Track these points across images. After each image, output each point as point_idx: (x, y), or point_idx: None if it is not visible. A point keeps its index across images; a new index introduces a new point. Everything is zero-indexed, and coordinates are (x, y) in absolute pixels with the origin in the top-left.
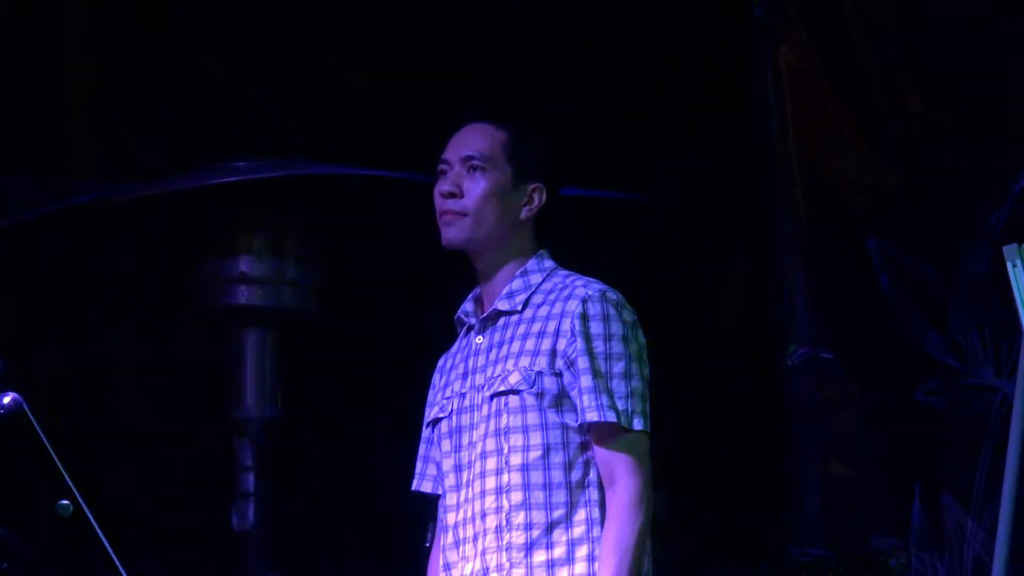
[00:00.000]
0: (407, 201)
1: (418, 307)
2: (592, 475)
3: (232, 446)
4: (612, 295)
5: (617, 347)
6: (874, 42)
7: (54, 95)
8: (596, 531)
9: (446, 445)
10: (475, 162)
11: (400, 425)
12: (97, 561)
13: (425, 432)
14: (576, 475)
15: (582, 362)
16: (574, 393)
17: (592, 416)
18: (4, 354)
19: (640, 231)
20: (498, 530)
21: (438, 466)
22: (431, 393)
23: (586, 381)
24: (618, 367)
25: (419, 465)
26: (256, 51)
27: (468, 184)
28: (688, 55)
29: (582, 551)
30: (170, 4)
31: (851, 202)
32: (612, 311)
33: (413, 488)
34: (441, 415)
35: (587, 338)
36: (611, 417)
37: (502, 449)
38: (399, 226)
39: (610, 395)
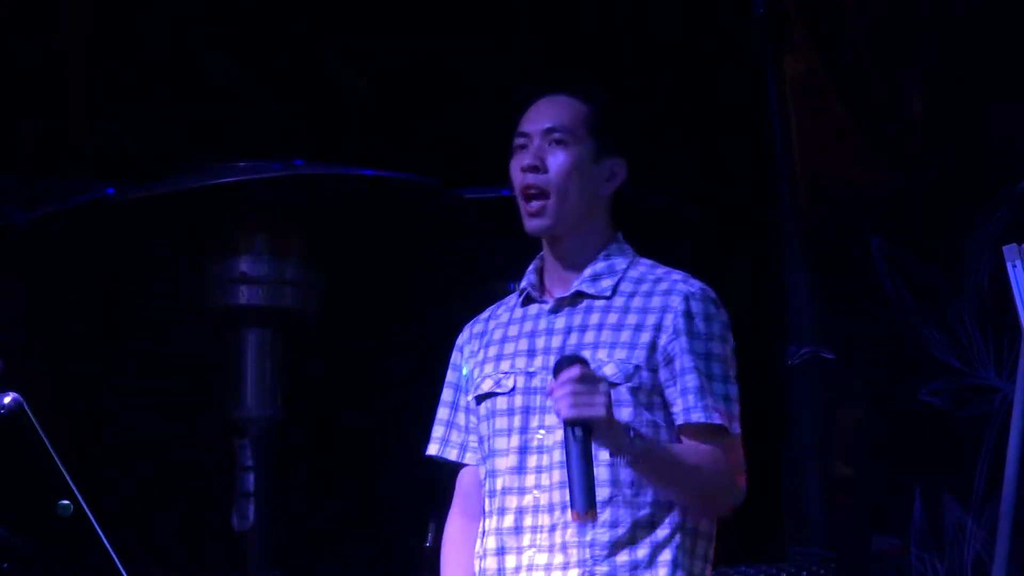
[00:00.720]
0: (407, 201)
1: (418, 307)
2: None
3: (232, 446)
4: (712, 293)
5: (718, 348)
6: (876, 42)
7: (54, 95)
8: (680, 537)
9: (502, 423)
10: (557, 135)
11: (400, 425)
12: (97, 561)
13: (448, 396)
14: None
15: (686, 360)
16: (671, 391)
17: (698, 417)
18: (4, 354)
19: (641, 230)
20: (581, 524)
21: (480, 439)
22: (458, 355)
23: (691, 381)
24: (719, 369)
25: (442, 430)
26: (256, 51)
27: (550, 158)
28: (689, 55)
29: (665, 556)
30: (170, 4)
31: (854, 202)
32: (713, 310)
33: (434, 453)
34: (499, 391)
35: (691, 336)
36: (717, 419)
37: None
38: (399, 226)
39: (715, 397)
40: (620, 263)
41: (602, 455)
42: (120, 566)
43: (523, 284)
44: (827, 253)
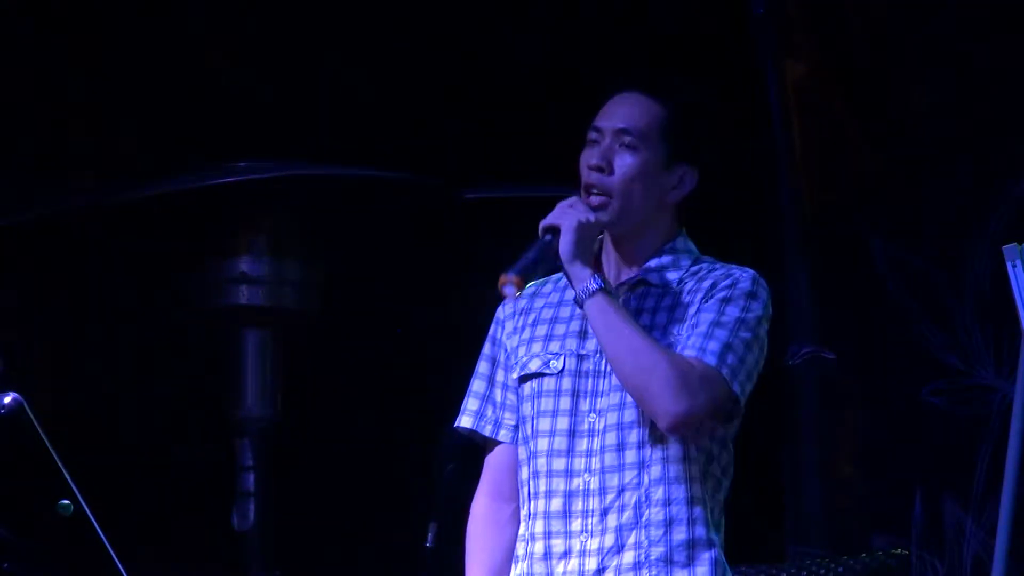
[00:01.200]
0: (407, 201)
1: (418, 307)
2: (725, 455)
3: (232, 446)
4: (759, 279)
5: (751, 317)
6: (877, 41)
7: (54, 96)
8: (714, 512)
9: (548, 404)
10: (628, 138)
11: (400, 424)
12: (97, 561)
13: (484, 369)
14: (710, 448)
15: (705, 308)
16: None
17: (690, 352)
18: (4, 354)
19: None
20: (637, 505)
21: (522, 419)
22: (498, 329)
23: (703, 322)
24: (745, 333)
25: (477, 403)
26: (256, 51)
27: (618, 160)
28: (688, 55)
29: (706, 533)
30: (171, 4)
31: (855, 202)
32: (751, 286)
33: (468, 426)
34: (547, 372)
35: (717, 293)
36: (707, 359)
37: (644, 422)
38: (399, 226)
39: (716, 340)
40: (686, 259)
41: (655, 432)
42: (120, 566)
43: None
44: (828, 253)
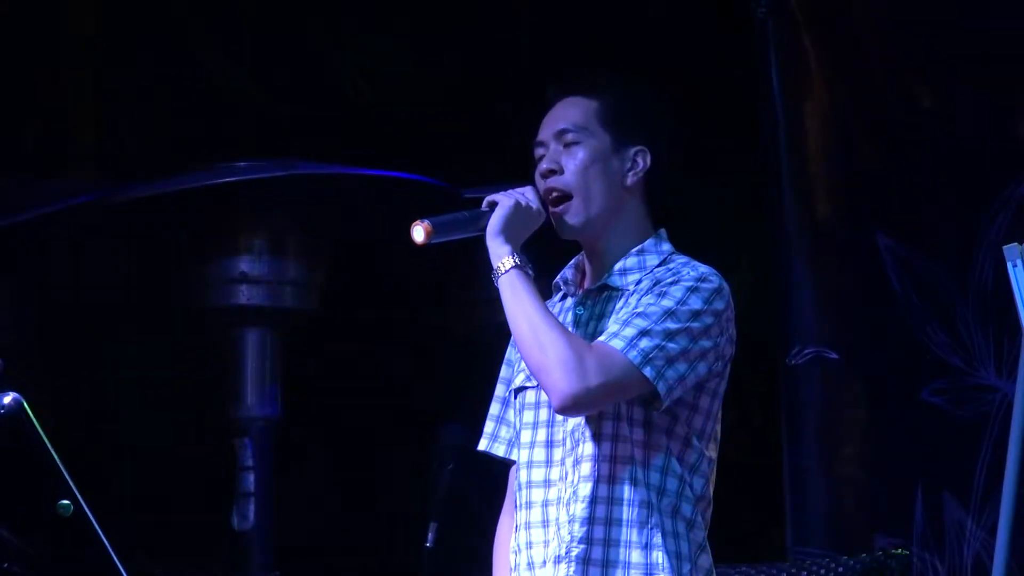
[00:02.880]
0: (407, 200)
1: (418, 306)
2: (691, 453)
3: (232, 446)
4: (713, 278)
5: (683, 309)
6: (882, 40)
7: (54, 95)
8: (660, 518)
9: (530, 416)
10: (569, 136)
11: (400, 424)
12: (97, 561)
13: (499, 391)
14: (667, 445)
15: (643, 301)
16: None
17: (602, 339)
18: (4, 354)
19: None
20: (567, 505)
21: (517, 433)
22: (512, 350)
23: (629, 311)
24: (670, 323)
25: (492, 425)
26: (256, 51)
27: (566, 159)
28: (691, 54)
29: (639, 535)
30: (170, 4)
31: (858, 201)
32: (688, 277)
33: (483, 449)
34: (528, 384)
35: (660, 294)
36: (617, 345)
37: (600, 426)
38: (398, 225)
39: (631, 327)
40: (652, 259)
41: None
42: (120, 566)
43: (556, 279)
44: (831, 252)
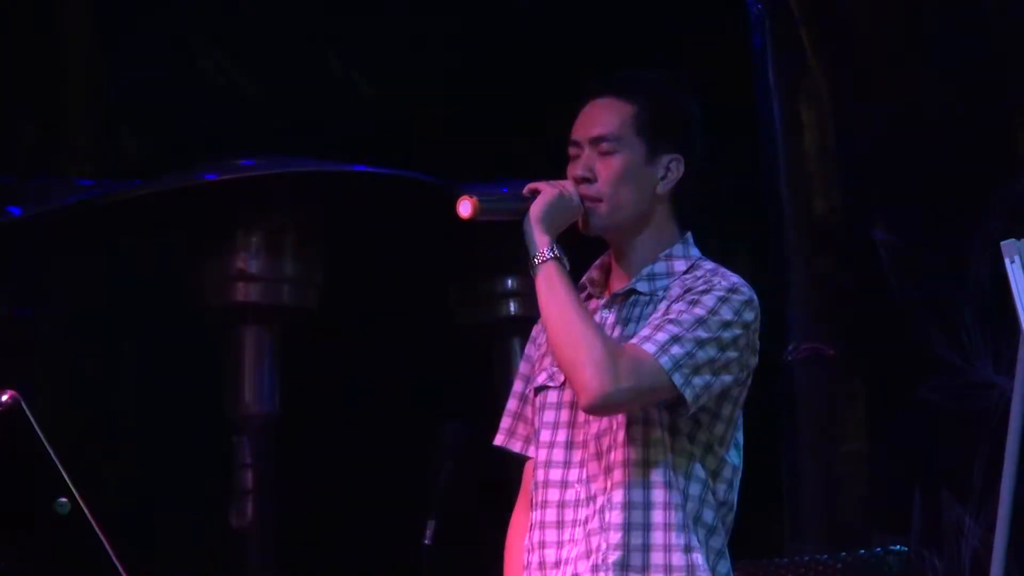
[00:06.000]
0: (406, 198)
1: (417, 305)
2: (711, 459)
3: (231, 443)
4: (744, 289)
5: (714, 319)
6: (877, 38)
7: (54, 95)
8: (691, 523)
9: (550, 416)
10: (604, 145)
11: (399, 423)
12: (95, 559)
13: (518, 387)
14: (691, 451)
15: (674, 308)
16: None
17: (634, 341)
18: (4, 353)
19: None
20: (601, 511)
21: (537, 431)
22: (532, 347)
23: (661, 317)
24: (700, 332)
25: (509, 421)
26: (256, 51)
27: (600, 167)
28: (688, 50)
29: (676, 538)
30: (171, 4)
31: (856, 197)
32: (719, 284)
33: (499, 444)
34: (551, 384)
35: (692, 302)
36: (649, 348)
37: (616, 427)
38: (397, 223)
39: (663, 331)
40: (680, 264)
41: (615, 441)
42: (118, 564)
43: (583, 279)
44: (828, 248)
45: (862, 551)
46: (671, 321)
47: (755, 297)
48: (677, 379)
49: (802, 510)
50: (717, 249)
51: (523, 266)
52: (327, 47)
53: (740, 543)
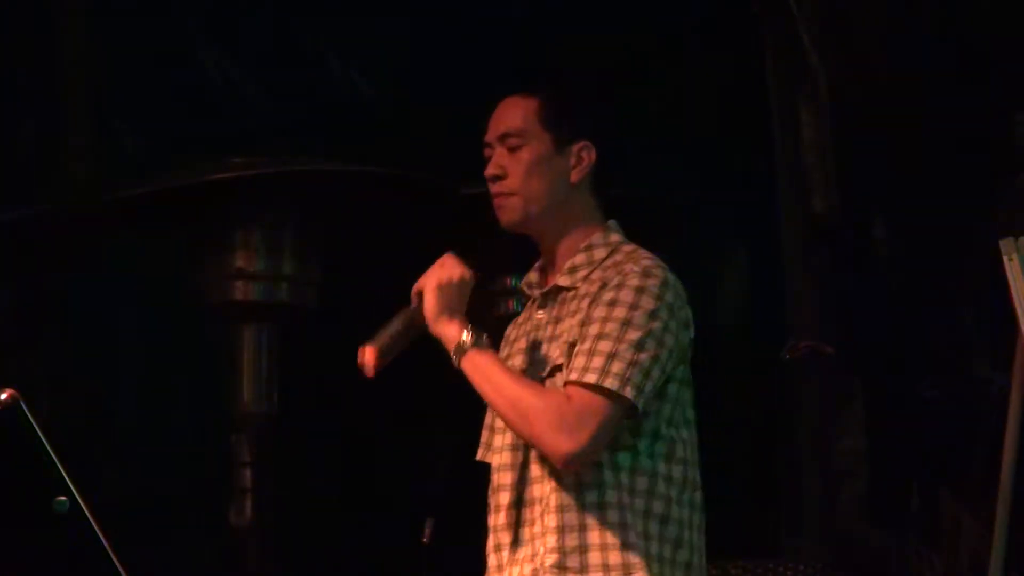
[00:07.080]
0: (405, 197)
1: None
2: (660, 445)
3: (230, 442)
4: (651, 269)
5: (638, 315)
6: (879, 35)
7: (53, 95)
8: (631, 518)
9: (500, 420)
10: (512, 140)
11: (399, 422)
12: (94, 558)
13: None
14: (634, 444)
15: (596, 315)
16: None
17: (572, 377)
18: (3, 351)
19: (641, 225)
20: (541, 515)
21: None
22: (505, 348)
23: (589, 334)
24: (632, 334)
25: (486, 434)
26: (256, 51)
27: (510, 163)
28: (688, 49)
29: (613, 537)
30: (170, 3)
31: (855, 196)
32: (636, 280)
33: (480, 458)
34: None
35: (599, 303)
36: (588, 378)
37: None
38: (396, 222)
39: (599, 355)
40: (600, 252)
41: None
42: (117, 563)
43: (521, 283)
44: (827, 246)
45: (861, 550)
46: (599, 337)
47: (670, 275)
48: (630, 392)
49: (800, 508)
50: (716, 249)
51: (526, 265)
52: (327, 47)
53: (738, 542)
